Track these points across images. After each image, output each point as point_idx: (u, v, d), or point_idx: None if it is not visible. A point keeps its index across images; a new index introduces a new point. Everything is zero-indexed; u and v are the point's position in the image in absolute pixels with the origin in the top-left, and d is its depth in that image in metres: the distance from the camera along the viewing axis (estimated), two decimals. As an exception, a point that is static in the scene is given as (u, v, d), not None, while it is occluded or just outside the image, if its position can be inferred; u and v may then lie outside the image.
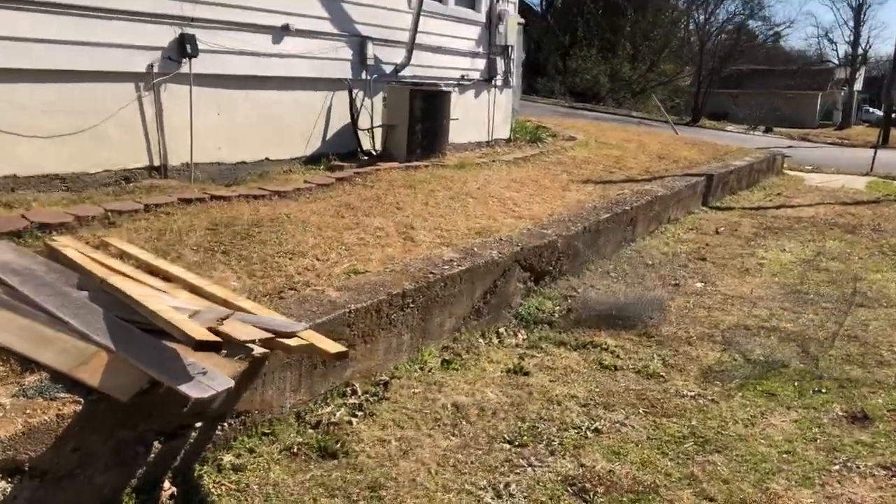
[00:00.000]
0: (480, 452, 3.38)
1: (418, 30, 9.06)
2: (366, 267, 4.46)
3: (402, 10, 9.07)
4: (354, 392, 3.77)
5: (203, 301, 3.37)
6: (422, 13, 9.07)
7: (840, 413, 3.99)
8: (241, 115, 7.18)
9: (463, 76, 10.51)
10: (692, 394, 4.19)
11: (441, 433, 3.53)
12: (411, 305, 4.19)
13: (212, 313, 2.94)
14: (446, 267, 4.63)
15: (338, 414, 3.55)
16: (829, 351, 4.91)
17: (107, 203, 5.18)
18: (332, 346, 3.02)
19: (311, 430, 3.41)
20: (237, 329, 2.82)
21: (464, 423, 3.65)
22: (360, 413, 3.62)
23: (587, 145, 11.96)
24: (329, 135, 8.34)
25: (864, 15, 44.87)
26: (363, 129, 8.66)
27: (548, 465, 3.31)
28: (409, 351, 4.28)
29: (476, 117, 11.02)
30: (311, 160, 8.06)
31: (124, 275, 3.59)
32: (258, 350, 2.85)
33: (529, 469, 3.27)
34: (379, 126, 8.75)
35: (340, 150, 8.44)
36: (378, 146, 8.78)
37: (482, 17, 10.78)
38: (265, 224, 5.08)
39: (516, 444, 3.48)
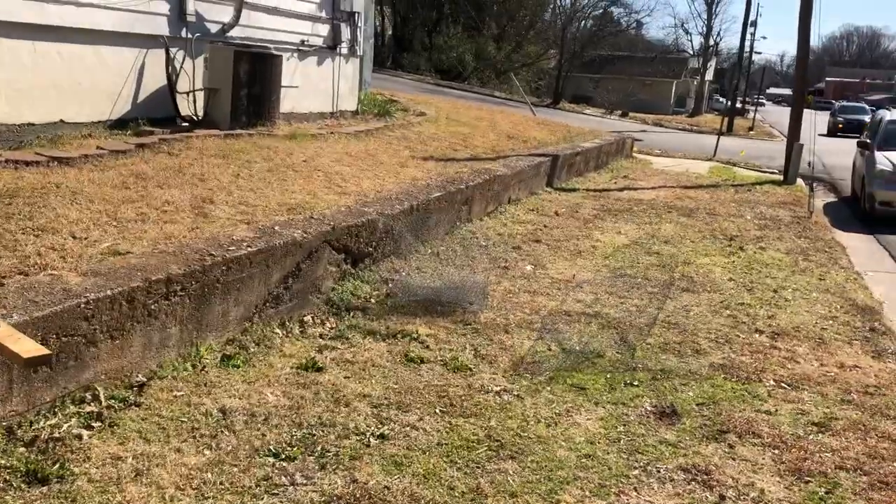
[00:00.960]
0: (236, 470, 2.86)
1: (249, -13, 8.31)
2: (131, 247, 3.82)
3: (229, -36, 8.28)
4: (96, 398, 3.14)
5: None
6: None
7: (649, 408, 3.75)
8: (26, 70, 6.23)
9: (303, 41, 9.82)
10: (497, 389, 3.83)
11: (194, 447, 2.98)
12: (180, 293, 3.60)
13: None
14: (233, 248, 4.05)
15: (65, 427, 2.93)
16: (648, 339, 4.71)
17: None
18: (29, 349, 2.40)
19: (21, 449, 2.77)
20: None
21: (226, 433, 3.11)
22: (97, 424, 3.01)
23: (437, 121, 11.57)
24: (141, 97, 7.48)
25: (716, 8, 47.02)
26: (182, 93, 7.85)
27: (314, 482, 2.84)
28: (180, 346, 3.68)
29: (319, 86, 10.37)
30: (119, 124, 7.19)
31: None
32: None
33: (290, 489, 2.78)
34: (201, 90, 7.96)
35: (156, 115, 7.60)
36: (200, 112, 7.99)
37: (325, -22, 10.12)
38: (23, 195, 4.32)
39: (282, 457, 2.98)
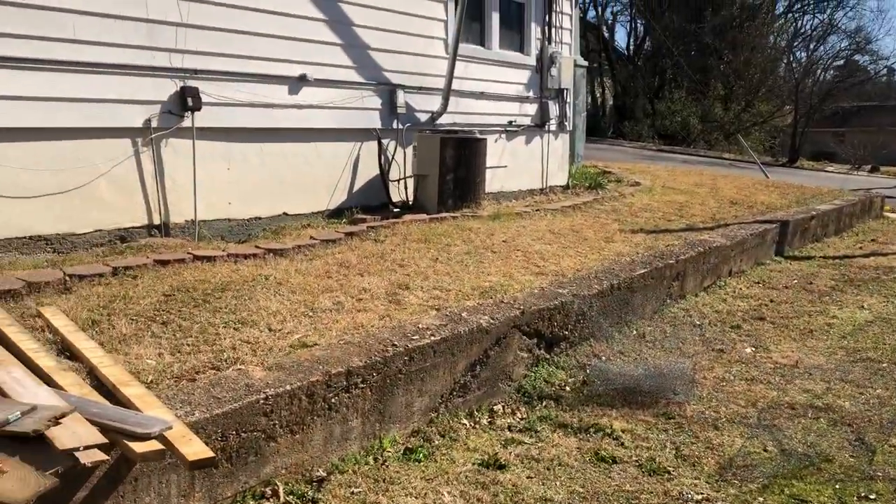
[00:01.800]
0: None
1: (457, 75, 8.61)
2: (320, 338, 3.92)
3: (438, 56, 8.65)
4: (275, 493, 3.19)
5: (84, 387, 2.91)
6: (460, 58, 8.63)
7: (889, 532, 3.11)
8: (253, 168, 6.86)
9: (511, 122, 9.96)
10: (699, 498, 3.39)
11: (361, 550, 2.90)
12: (361, 385, 3.61)
13: (49, 410, 2.46)
14: (416, 337, 4.03)
15: (243, 523, 2.99)
16: (892, 439, 3.98)
17: (74, 266, 4.87)
18: (195, 452, 2.47)
19: (199, 545, 2.85)
20: (65, 433, 2.33)
21: (395, 536, 3.01)
22: (273, 521, 3.04)
23: (651, 191, 11.12)
24: (356, 187, 7.94)
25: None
26: (393, 181, 8.23)
27: None
28: (362, 439, 3.68)
29: (528, 164, 10.43)
30: (335, 214, 7.66)
31: (20, 353, 3.19)
32: (89, 458, 2.33)
33: None
34: (410, 176, 8.29)
35: (369, 203, 8.02)
36: (410, 197, 8.31)
37: (531, 61, 10.26)
38: (233, 287, 4.64)
39: (448, 568, 2.81)
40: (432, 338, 4.06)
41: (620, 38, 46.71)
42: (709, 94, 32.47)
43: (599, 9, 36.95)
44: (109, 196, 5.82)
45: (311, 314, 4.33)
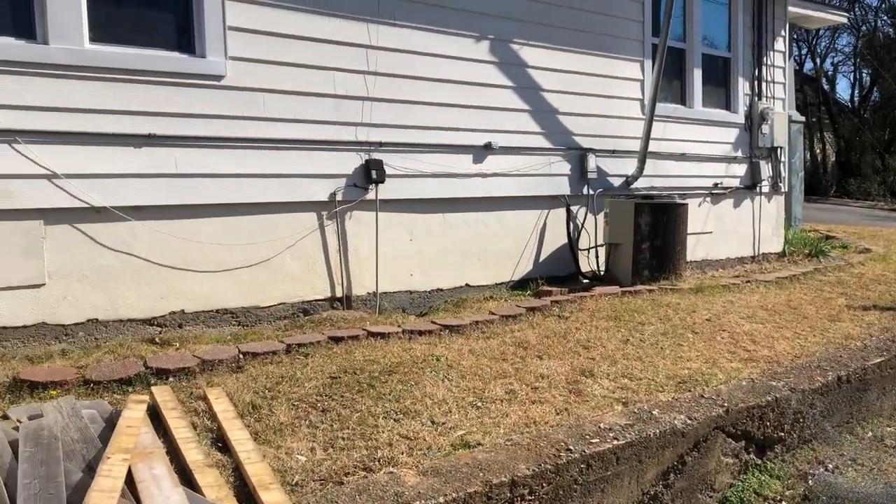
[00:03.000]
0: None
1: (654, 137, 8.05)
2: (484, 436, 3.50)
3: (632, 118, 8.15)
4: None
5: (223, 490, 2.69)
6: (658, 119, 8.08)
7: None
8: (435, 239, 6.69)
9: (716, 184, 9.16)
10: None
11: None
12: (527, 498, 3.13)
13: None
14: (596, 440, 3.49)
15: None
16: None
17: (250, 343, 4.85)
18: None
19: None
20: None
21: None
22: None
23: (885, 259, 9.71)
24: (542, 257, 7.54)
25: None
26: (583, 250, 7.74)
27: None
28: (528, 558, 3.18)
29: (736, 229, 9.51)
30: (520, 284, 7.30)
31: (173, 442, 3.07)
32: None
33: None
34: (601, 245, 7.76)
35: (557, 273, 7.58)
36: (601, 268, 7.77)
37: (739, 118, 9.44)
38: (401, 370, 4.36)
39: None
40: (615, 441, 3.51)
41: (842, 90, 43.17)
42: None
43: (818, 60, 34.40)
44: (293, 269, 5.85)
45: (479, 405, 3.93)
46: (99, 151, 4.89)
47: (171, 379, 4.13)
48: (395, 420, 3.65)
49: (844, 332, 5.89)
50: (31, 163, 4.63)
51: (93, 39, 4.88)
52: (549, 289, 7.00)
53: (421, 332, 5.27)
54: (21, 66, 4.58)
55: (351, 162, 6.09)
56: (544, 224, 7.55)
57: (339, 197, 6.03)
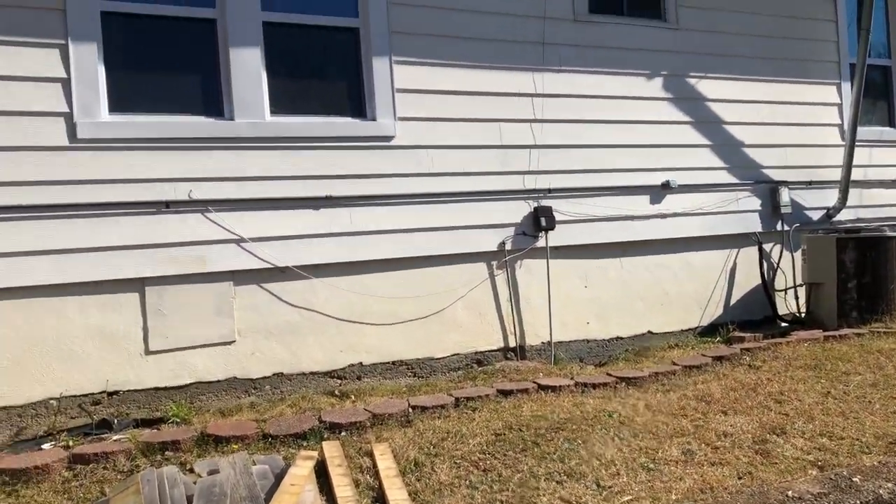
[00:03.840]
0: None
1: (858, 163, 7.33)
2: (653, 503, 3.25)
3: (830, 145, 7.48)
4: None
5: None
6: (861, 144, 7.36)
7: None
8: (612, 285, 6.46)
9: (938, 211, 8.13)
10: None
11: None
12: (698, 574, 2.85)
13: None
14: (781, 511, 3.13)
15: None
16: None
17: (420, 396, 4.90)
18: None
19: None
20: None
21: None
22: None
23: None
24: (733, 299, 7.04)
25: None
26: (778, 290, 7.15)
27: None
28: None
29: (967, 261, 8.34)
30: (708, 330, 6.85)
31: (334, 501, 3.14)
32: None
33: None
34: (800, 285, 7.12)
35: (750, 317, 7.05)
36: (802, 309, 7.11)
37: (963, 134, 8.35)
38: (569, 427, 4.19)
39: None
40: (804, 513, 3.12)
41: None
42: None
43: None
44: (465, 319, 5.87)
45: (651, 466, 3.68)
46: (281, 215, 5.22)
47: (342, 433, 4.25)
48: (557, 482, 3.50)
49: None
50: (222, 229, 5.04)
51: (273, 112, 5.27)
52: (741, 335, 6.49)
53: (594, 385, 5.06)
54: (211, 142, 5.03)
55: (519, 210, 6.06)
56: (733, 264, 7.05)
57: (508, 246, 6.01)
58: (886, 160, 7.83)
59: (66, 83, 4.66)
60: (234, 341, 5.11)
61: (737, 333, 6.57)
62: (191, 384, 4.99)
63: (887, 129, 7.97)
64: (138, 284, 4.86)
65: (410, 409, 4.55)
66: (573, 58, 6.27)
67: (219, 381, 5.07)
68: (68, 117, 4.65)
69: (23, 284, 4.54)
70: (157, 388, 4.89)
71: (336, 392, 5.25)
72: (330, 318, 5.41)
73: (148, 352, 4.88)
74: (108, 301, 4.78)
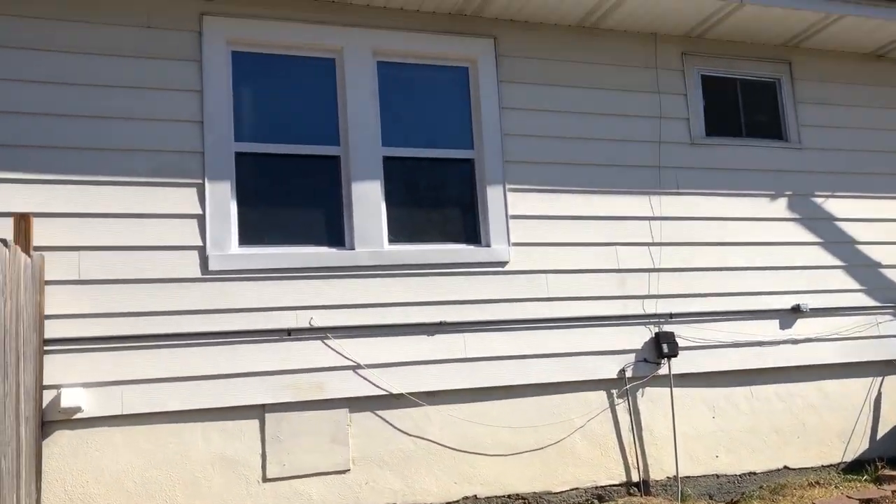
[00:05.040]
0: None
1: None
2: None
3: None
4: None
5: None
6: None
7: None
8: (742, 415, 6.07)
9: None
10: None
11: None
12: None
13: None
14: None
15: None
16: None
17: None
18: None
19: None
20: None
21: None
22: None
23: None
24: (880, 433, 6.45)
25: None
26: (933, 424, 6.49)
27: None
28: None
29: None
30: (853, 467, 6.26)
31: None
32: None
33: None
34: (958, 418, 6.45)
35: (903, 452, 6.41)
36: (963, 445, 6.42)
37: None
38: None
39: None
40: None
41: None
42: None
43: None
44: (584, 451, 5.63)
45: None
46: (396, 341, 5.28)
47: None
48: None
49: None
50: (339, 356, 5.13)
51: (391, 241, 5.43)
52: (892, 473, 5.89)
53: (725, 528, 4.67)
54: (331, 271, 5.21)
55: (639, 336, 5.87)
56: (878, 394, 6.50)
57: (628, 374, 5.79)
58: None
59: (201, 219, 4.99)
60: (349, 470, 5.08)
61: (886, 472, 5.97)
62: (304, 513, 4.97)
63: None
64: (259, 411, 4.96)
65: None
66: (691, 180, 6.19)
67: (333, 512, 5.03)
68: (201, 251, 4.96)
69: (153, 411, 4.73)
70: (272, 516, 4.90)
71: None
72: (443, 448, 5.31)
73: (265, 479, 4.91)
74: (230, 427, 4.89)
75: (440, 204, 5.75)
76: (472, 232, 5.69)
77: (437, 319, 5.39)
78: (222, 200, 5.04)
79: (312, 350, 5.09)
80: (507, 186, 5.72)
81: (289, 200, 5.35)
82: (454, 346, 5.41)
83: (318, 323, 5.11)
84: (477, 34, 5.82)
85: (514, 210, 5.71)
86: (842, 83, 6.83)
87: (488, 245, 5.63)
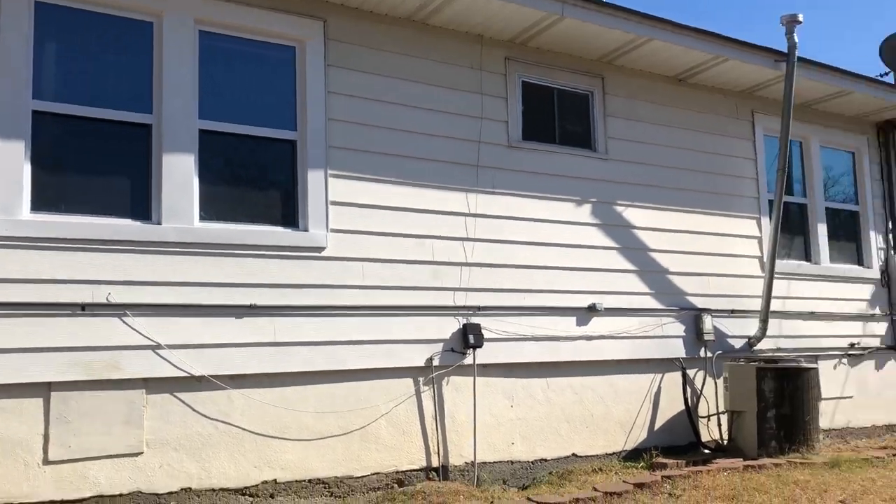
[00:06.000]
0: None
1: (777, 295, 7.63)
2: None
3: (751, 276, 7.78)
4: None
5: None
6: (780, 276, 7.69)
7: None
8: (538, 405, 6.44)
9: (853, 344, 8.45)
10: None
11: None
12: None
13: None
14: None
15: None
16: None
17: (333, 517, 4.72)
18: None
19: None
20: None
21: None
22: None
23: None
24: (657, 424, 7.07)
25: None
26: (702, 417, 7.22)
27: None
28: None
29: (882, 393, 8.68)
30: (633, 455, 6.83)
31: None
32: None
33: None
34: (724, 412, 7.21)
35: (675, 443, 7.07)
36: (724, 437, 7.18)
37: (874, 273, 8.83)
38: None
39: None
40: None
41: None
42: None
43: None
44: (388, 437, 5.74)
45: None
46: (202, 322, 5.11)
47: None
48: None
49: None
50: (139, 335, 4.89)
51: (202, 218, 5.25)
52: (664, 461, 6.49)
53: (512, 511, 4.95)
54: (136, 245, 4.95)
55: (448, 327, 6.07)
56: (658, 389, 7.13)
57: (435, 362, 5.97)
58: (804, 293, 8.15)
59: (-12, 180, 4.59)
60: (142, 453, 4.86)
61: (660, 459, 6.56)
62: (90, 498, 4.70)
63: (805, 263, 8.34)
64: (44, 389, 4.63)
65: (321, 533, 4.36)
66: (506, 181, 6.47)
67: (122, 496, 4.79)
68: (-14, 214, 4.56)
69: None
70: (51, 502, 4.59)
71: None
72: (245, 432, 5.22)
73: (47, 461, 4.60)
74: (9, 406, 4.54)
75: (259, 184, 5.63)
76: (290, 215, 5.62)
77: (247, 302, 5.28)
78: (13, 161, 4.65)
79: (109, 327, 4.82)
80: (329, 172, 5.70)
81: (93, 168, 5.02)
82: (264, 330, 5.32)
83: (116, 299, 4.85)
84: (307, 14, 5.74)
85: (334, 196, 5.70)
86: (648, 102, 7.40)
87: (306, 230, 5.59)
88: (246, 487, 5.21)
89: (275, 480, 5.31)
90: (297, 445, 5.41)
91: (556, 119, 6.91)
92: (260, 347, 5.30)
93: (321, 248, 5.61)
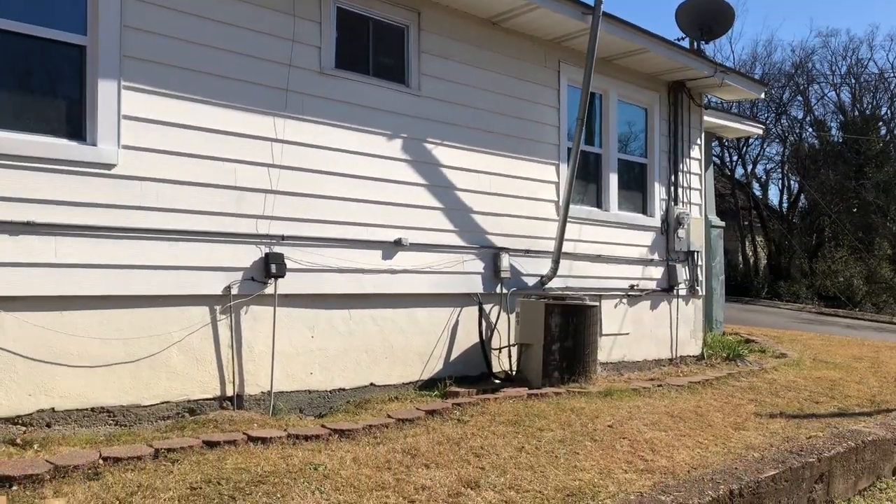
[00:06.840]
0: None
1: (570, 238, 8.12)
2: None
3: (547, 219, 8.21)
4: None
5: None
6: (573, 221, 8.18)
7: None
8: (339, 336, 6.50)
9: (633, 286, 9.22)
10: None
11: None
12: None
13: None
14: (459, 563, 3.26)
15: None
16: None
17: (115, 447, 4.53)
18: None
19: None
20: None
21: None
22: None
23: (799, 365, 9.80)
24: (453, 356, 7.38)
25: None
26: (495, 349, 7.62)
27: None
28: None
29: (655, 332, 9.53)
30: (429, 384, 7.10)
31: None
32: None
33: None
34: (514, 345, 7.66)
35: (468, 373, 7.42)
36: (513, 368, 7.64)
37: (656, 222, 9.60)
38: (271, 480, 4.09)
39: None
40: (479, 564, 3.28)
41: (774, 195, 44.98)
42: (874, 254, 29.94)
43: (749, 166, 35.84)
44: (180, 365, 5.57)
45: (344, 520, 3.68)
46: (-32, 238, 4.64)
47: (14, 487, 3.79)
48: (245, 539, 3.38)
49: (746, 442, 5.80)
50: None
51: (-29, 123, 4.72)
52: (457, 390, 6.82)
53: (307, 437, 5.00)
54: None
55: (249, 255, 5.93)
56: (456, 322, 7.43)
57: (234, 291, 5.83)
58: (594, 237, 8.76)
59: None
60: None
61: (453, 388, 6.88)
62: None
63: (596, 209, 8.94)
64: None
65: (101, 461, 4.18)
66: (316, 108, 6.34)
67: None
68: None
69: None
70: None
71: (18, 441, 4.70)
72: (18, 357, 4.86)
73: None
74: None
75: (45, 91, 5.14)
76: (76, 127, 5.19)
77: (24, 219, 4.85)
78: None
79: None
80: (123, 83, 5.30)
81: None
82: (42, 250, 4.93)
83: None
84: None
85: (129, 111, 5.32)
86: (463, 42, 7.50)
87: (94, 144, 5.19)
88: (19, 416, 4.88)
89: (52, 409, 5.01)
90: (80, 372, 5.11)
91: (371, 50, 6.84)
92: (38, 268, 4.91)
93: (111, 165, 5.24)
